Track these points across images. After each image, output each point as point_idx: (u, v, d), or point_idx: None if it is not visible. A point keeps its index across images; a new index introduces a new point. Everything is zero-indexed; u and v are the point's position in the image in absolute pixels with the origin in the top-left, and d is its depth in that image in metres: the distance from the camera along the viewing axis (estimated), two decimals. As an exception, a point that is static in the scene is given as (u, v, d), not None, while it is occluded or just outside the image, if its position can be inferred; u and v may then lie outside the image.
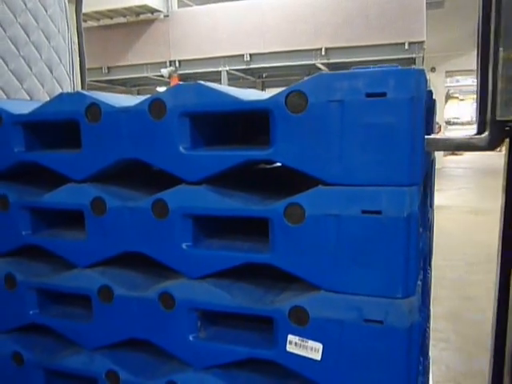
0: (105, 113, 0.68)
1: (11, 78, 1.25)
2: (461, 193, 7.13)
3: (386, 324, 0.57)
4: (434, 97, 1.00)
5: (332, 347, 0.60)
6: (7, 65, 1.25)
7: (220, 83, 8.15)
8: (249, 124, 0.80)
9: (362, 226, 0.57)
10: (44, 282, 0.79)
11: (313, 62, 7.75)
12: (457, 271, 3.38)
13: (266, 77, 10.70)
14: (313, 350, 0.61)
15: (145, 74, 8.79)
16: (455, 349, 2.22)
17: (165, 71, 8.37)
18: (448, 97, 17.87)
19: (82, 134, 0.71)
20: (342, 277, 0.59)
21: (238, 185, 0.69)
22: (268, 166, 0.89)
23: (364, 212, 0.56)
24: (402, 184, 0.55)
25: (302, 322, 0.61)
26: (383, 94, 0.54)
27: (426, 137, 0.60)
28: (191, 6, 9.19)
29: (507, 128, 0.71)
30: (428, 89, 0.74)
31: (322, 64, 7.88)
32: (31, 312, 0.80)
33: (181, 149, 0.65)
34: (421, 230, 0.86)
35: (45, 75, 1.36)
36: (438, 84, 10.43)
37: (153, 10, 8.21)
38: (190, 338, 0.69)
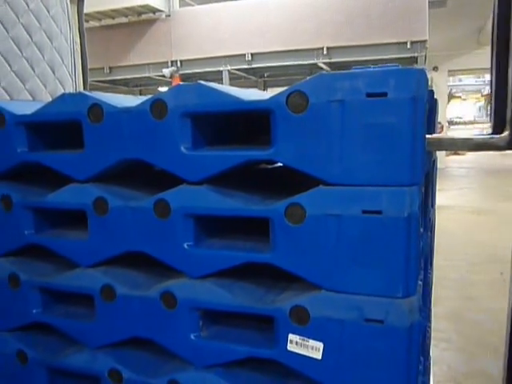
0: (107, 113, 0.69)
1: (14, 78, 1.26)
2: (463, 193, 7.12)
3: (387, 323, 0.57)
4: (435, 96, 1.01)
5: (333, 346, 0.61)
6: (10, 65, 1.26)
7: (222, 83, 8.17)
8: (250, 124, 0.80)
9: (363, 226, 0.57)
10: (47, 282, 0.80)
11: (314, 62, 7.74)
12: (458, 271, 3.37)
13: (267, 76, 10.70)
14: (313, 349, 0.62)
15: (146, 74, 8.80)
16: (456, 349, 2.22)
17: (166, 71, 8.37)
18: (450, 96, 17.82)
19: (84, 135, 0.71)
20: (342, 276, 0.59)
21: (239, 185, 0.69)
22: (269, 166, 0.89)
23: (364, 212, 0.57)
24: (402, 184, 0.55)
25: (302, 322, 0.62)
26: (384, 94, 0.54)
27: (443, 137, 0.60)
28: (193, 5, 9.19)
29: None
30: (429, 88, 0.74)
31: (324, 63, 7.87)
32: (34, 311, 0.81)
33: (182, 149, 0.65)
34: (422, 229, 0.87)
35: (47, 76, 1.36)
36: (440, 83, 10.41)
37: (154, 10, 8.22)
38: (192, 337, 0.69)
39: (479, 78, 18.90)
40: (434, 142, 0.70)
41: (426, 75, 0.56)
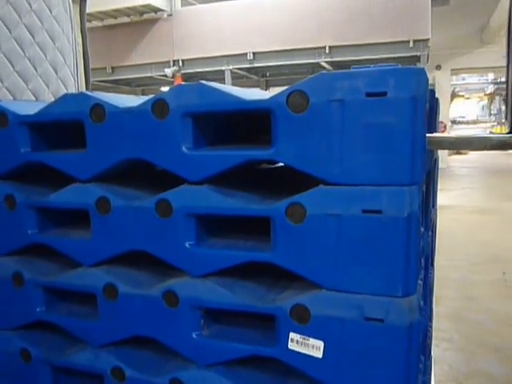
0: (109, 113, 0.69)
1: (17, 79, 1.27)
2: (465, 192, 7.10)
3: (387, 322, 0.58)
4: (437, 95, 1.01)
5: (333, 345, 0.61)
6: (13, 66, 1.26)
7: (224, 82, 8.17)
8: (251, 123, 0.81)
9: (363, 226, 0.57)
10: (50, 281, 0.80)
11: (316, 61, 7.73)
12: (460, 271, 3.37)
13: (269, 76, 10.69)
14: (314, 347, 0.62)
15: (149, 74, 8.81)
16: (458, 349, 2.22)
17: (168, 71, 8.38)
18: (453, 95, 17.76)
19: (86, 135, 0.72)
20: (342, 275, 0.59)
21: (240, 184, 0.70)
22: (271, 166, 0.89)
23: (364, 211, 0.57)
24: (402, 184, 0.56)
25: (303, 320, 0.62)
26: (383, 94, 0.54)
27: (459, 135, 0.60)
28: (194, 4, 9.19)
29: None
30: (430, 88, 0.74)
31: (326, 62, 7.85)
32: (38, 309, 0.82)
33: (183, 149, 0.66)
34: (422, 229, 0.87)
35: (50, 76, 1.37)
36: (443, 82, 10.38)
37: (156, 10, 8.23)
38: (194, 336, 0.70)
39: (482, 76, 18.82)
40: (445, 140, 0.69)
41: (425, 74, 0.56)
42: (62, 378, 0.83)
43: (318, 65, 8.07)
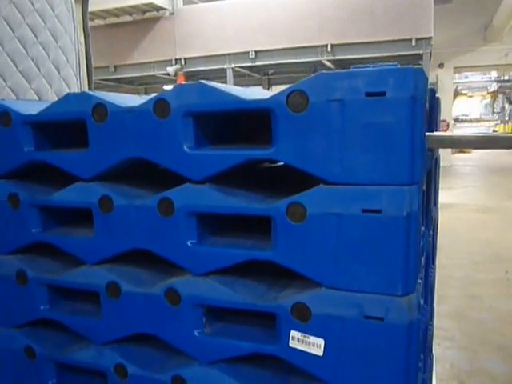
0: (111, 113, 0.70)
1: (20, 78, 1.27)
2: (468, 191, 7.07)
3: (386, 321, 0.58)
4: (439, 93, 1.00)
5: (333, 343, 0.61)
6: (16, 65, 1.27)
7: (226, 81, 8.17)
8: (252, 121, 0.81)
9: (363, 225, 0.58)
10: (54, 279, 0.81)
11: (319, 59, 7.72)
12: (462, 270, 3.36)
13: (271, 74, 10.68)
14: (315, 345, 0.63)
15: (151, 73, 8.82)
16: (460, 347, 2.22)
17: (170, 69, 8.39)
18: (456, 93, 17.68)
19: (88, 134, 0.72)
20: (342, 274, 0.60)
21: (241, 183, 0.70)
22: (272, 165, 0.90)
23: (364, 211, 0.57)
24: (401, 183, 0.56)
25: (304, 318, 0.62)
26: (382, 93, 0.54)
27: (459, 134, 0.59)
28: (196, 3, 9.19)
29: None
30: (430, 87, 0.74)
31: (328, 61, 7.84)
32: (42, 307, 0.82)
33: (185, 148, 0.66)
34: (423, 228, 0.87)
35: (53, 75, 1.38)
36: (445, 80, 10.33)
37: (158, 8, 8.23)
38: (196, 334, 0.70)
39: (485, 74, 18.73)
40: (446, 139, 0.68)
41: (424, 74, 0.56)
42: (66, 375, 0.84)
43: (320, 63, 8.06)
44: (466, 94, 21.53)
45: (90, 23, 1.66)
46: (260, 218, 0.65)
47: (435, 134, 0.73)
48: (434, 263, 1.24)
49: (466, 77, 18.32)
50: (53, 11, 1.40)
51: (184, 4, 8.55)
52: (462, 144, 0.72)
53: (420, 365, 0.73)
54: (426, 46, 6.98)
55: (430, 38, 6.97)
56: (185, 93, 0.65)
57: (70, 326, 0.81)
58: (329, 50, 7.45)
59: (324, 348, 0.62)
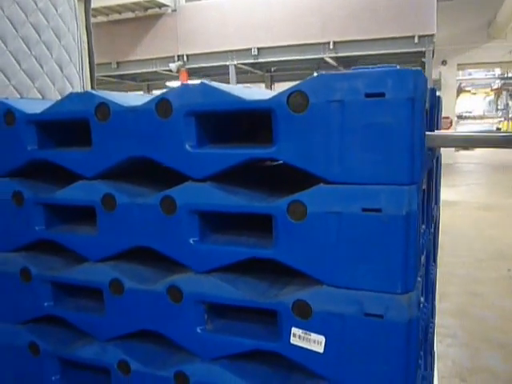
0: (114, 112, 0.70)
1: (24, 77, 1.28)
2: (470, 188, 7.05)
3: (386, 318, 0.59)
4: (442, 90, 1.00)
5: (334, 340, 0.62)
6: (19, 64, 1.28)
7: (228, 77, 8.15)
8: (254, 120, 0.82)
9: (363, 224, 0.58)
10: (58, 276, 0.82)
11: (321, 56, 7.70)
12: (465, 267, 3.36)
13: (274, 71, 10.65)
14: (315, 342, 0.63)
15: (153, 69, 8.82)
16: (462, 344, 2.23)
17: (173, 66, 8.38)
18: (460, 90, 17.58)
19: (92, 133, 0.73)
20: (343, 272, 0.60)
21: (242, 182, 0.71)
22: (273, 163, 0.90)
23: (364, 210, 0.58)
24: (401, 183, 0.56)
25: (305, 316, 0.63)
26: (382, 94, 0.55)
27: (459, 133, 0.59)
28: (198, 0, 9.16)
29: None
30: (430, 87, 0.74)
31: (331, 58, 7.81)
32: (46, 304, 0.83)
33: (187, 147, 0.67)
34: (423, 226, 0.87)
35: (56, 74, 1.39)
36: (449, 77, 10.29)
37: (161, 5, 8.22)
38: (198, 330, 0.71)
39: (489, 71, 18.61)
40: (446, 138, 0.68)
41: (423, 75, 0.57)
42: (70, 371, 0.85)
43: (322, 60, 8.03)
44: (469, 91, 21.41)
45: (92, 20, 1.67)
46: (261, 216, 0.65)
47: (435, 133, 0.73)
48: (435, 261, 1.24)
49: (470, 74, 18.21)
50: (56, 10, 1.41)
51: (186, 1, 8.53)
52: (462, 143, 0.73)
53: (420, 362, 0.74)
54: (428, 43, 6.95)
55: (432, 35, 6.93)
56: (187, 93, 0.65)
57: (74, 322, 0.82)
58: (331, 47, 7.42)
59: (324, 345, 0.63)
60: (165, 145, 0.68)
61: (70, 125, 0.79)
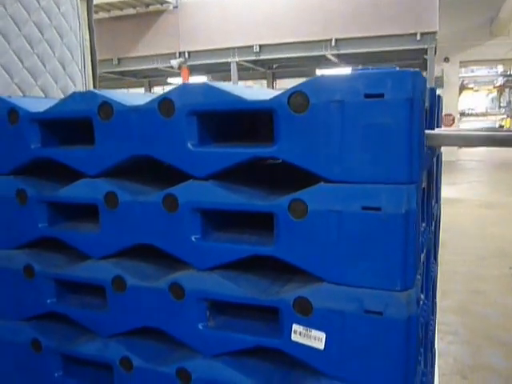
0: (116, 111, 0.71)
1: (26, 75, 1.29)
2: (472, 186, 7.04)
3: (385, 315, 0.59)
4: (443, 88, 1.00)
5: (334, 337, 0.63)
6: (22, 62, 1.28)
7: (230, 74, 8.14)
8: (255, 119, 0.82)
9: (363, 222, 0.59)
10: (61, 273, 0.83)
11: (323, 54, 7.67)
12: (467, 265, 3.36)
13: (276, 68, 10.63)
14: (316, 339, 0.64)
15: (155, 66, 8.81)
16: (463, 342, 2.23)
17: (174, 62, 8.37)
18: (462, 87, 17.50)
19: (94, 132, 0.74)
20: (343, 269, 0.61)
21: (244, 180, 0.71)
22: (274, 162, 0.91)
23: (364, 208, 0.58)
24: (400, 182, 0.57)
25: (305, 312, 0.64)
26: (381, 95, 0.55)
27: (459, 133, 0.60)
28: (201, -4, 9.13)
29: None
30: (430, 87, 0.74)
31: (333, 55, 7.79)
32: (49, 301, 0.84)
33: (189, 145, 0.67)
34: (423, 225, 0.88)
35: (58, 72, 1.39)
36: (451, 74, 10.24)
37: (162, 1, 8.21)
38: (200, 327, 0.72)
39: (492, 68, 18.53)
40: (446, 138, 0.68)
41: (422, 76, 0.57)
42: (73, 367, 0.86)
43: (324, 57, 8.01)
44: (472, 89, 21.32)
45: (94, 16, 1.67)
46: (263, 215, 0.66)
47: (435, 132, 0.73)
48: (435, 259, 1.24)
49: (472, 71, 18.13)
50: (58, 9, 1.41)
51: (188, -3, 8.52)
52: (461, 142, 0.73)
53: (420, 359, 0.74)
54: (430, 40, 6.92)
55: (435, 33, 6.90)
56: (189, 93, 0.66)
57: (77, 319, 0.82)
58: (333, 44, 7.40)
59: (325, 341, 0.63)
60: (167, 143, 0.69)
61: (73, 123, 0.80)
